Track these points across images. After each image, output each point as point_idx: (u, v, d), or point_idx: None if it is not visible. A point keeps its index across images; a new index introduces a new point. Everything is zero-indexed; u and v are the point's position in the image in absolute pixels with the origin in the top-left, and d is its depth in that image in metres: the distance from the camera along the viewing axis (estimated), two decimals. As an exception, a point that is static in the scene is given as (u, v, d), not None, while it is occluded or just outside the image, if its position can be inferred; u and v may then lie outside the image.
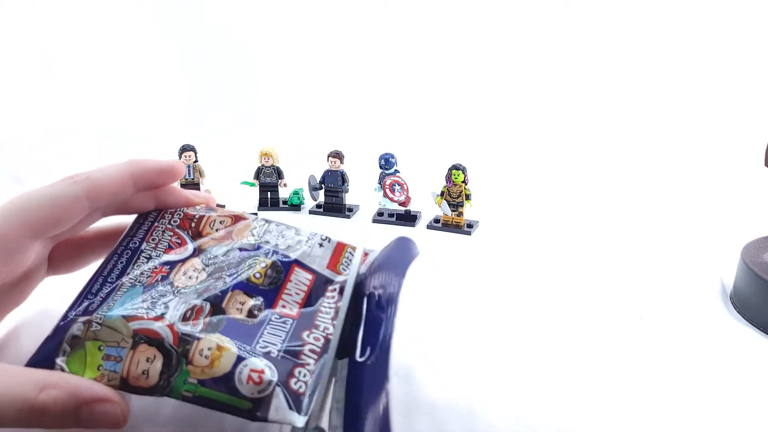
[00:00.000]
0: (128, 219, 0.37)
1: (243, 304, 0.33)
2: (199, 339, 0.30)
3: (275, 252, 0.35)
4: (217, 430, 0.31)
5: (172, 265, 0.35)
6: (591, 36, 1.01)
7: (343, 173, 0.70)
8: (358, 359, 0.30)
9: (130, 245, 0.36)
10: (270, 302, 0.33)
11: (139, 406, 0.32)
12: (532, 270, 0.56)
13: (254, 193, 0.72)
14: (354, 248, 0.36)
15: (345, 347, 0.31)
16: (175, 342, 0.30)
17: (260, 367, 0.29)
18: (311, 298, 0.34)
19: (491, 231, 0.66)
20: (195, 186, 0.71)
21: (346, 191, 0.70)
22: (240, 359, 0.29)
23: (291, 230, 0.37)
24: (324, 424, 0.30)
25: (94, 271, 0.34)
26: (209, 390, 0.29)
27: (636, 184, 0.81)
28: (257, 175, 0.72)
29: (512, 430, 0.33)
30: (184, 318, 0.31)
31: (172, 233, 0.36)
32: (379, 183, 0.69)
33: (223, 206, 0.53)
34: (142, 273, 0.34)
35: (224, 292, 0.33)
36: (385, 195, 0.69)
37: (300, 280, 0.34)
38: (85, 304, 0.33)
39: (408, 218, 0.69)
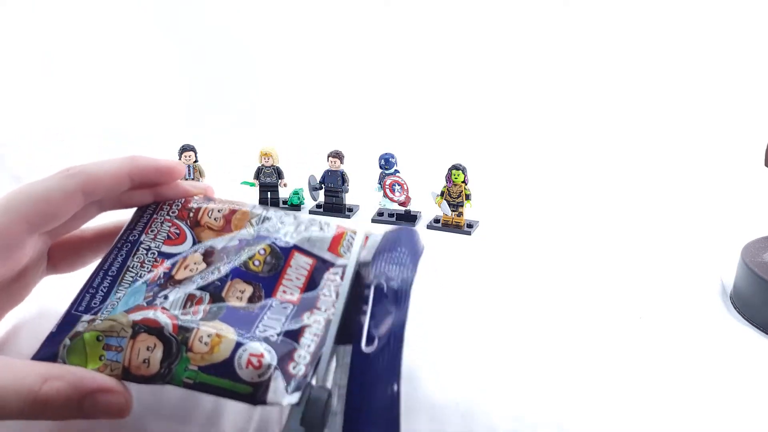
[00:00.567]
0: (127, 216, 0.37)
1: (243, 292, 0.33)
2: (198, 327, 0.30)
3: (275, 239, 0.35)
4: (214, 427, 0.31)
5: (174, 261, 0.35)
6: (591, 36, 1.01)
7: (343, 173, 0.70)
8: (365, 349, 0.29)
9: (129, 238, 0.36)
10: (270, 289, 0.33)
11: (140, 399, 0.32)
12: (533, 270, 0.56)
13: (254, 193, 0.72)
14: (354, 232, 0.36)
15: (347, 333, 0.30)
16: (174, 330, 0.30)
17: (259, 351, 0.29)
18: (312, 281, 0.34)
19: (491, 231, 0.66)
20: (195, 186, 0.71)
21: (346, 191, 0.70)
22: (239, 344, 0.29)
23: (290, 216, 0.37)
24: (329, 384, 0.29)
25: (95, 266, 0.34)
26: (210, 376, 0.29)
27: (636, 185, 0.81)
28: (257, 175, 0.72)
29: (512, 429, 0.33)
30: (184, 308, 0.31)
31: (170, 224, 0.36)
32: (379, 183, 0.69)
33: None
34: (142, 265, 0.34)
35: (223, 282, 0.33)
36: (385, 195, 0.69)
37: (300, 264, 0.34)
38: (87, 298, 0.33)
39: (408, 218, 0.69)
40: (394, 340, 0.30)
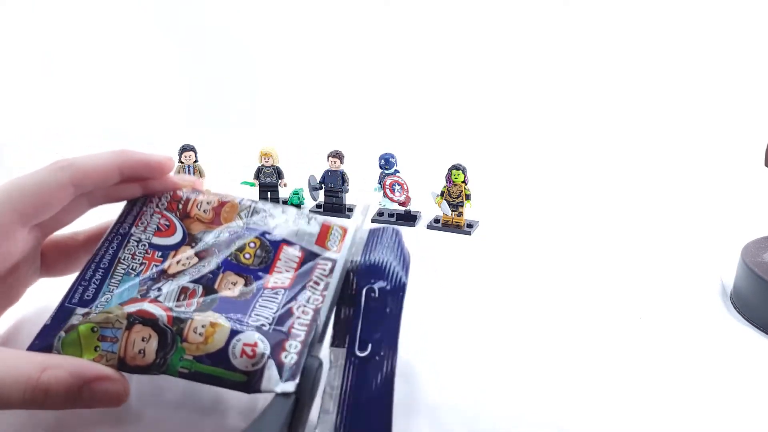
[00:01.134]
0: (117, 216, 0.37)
1: (234, 284, 0.34)
2: (192, 318, 0.31)
3: (264, 232, 0.36)
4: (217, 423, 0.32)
5: (165, 254, 0.35)
6: (591, 36, 1.01)
7: (343, 173, 0.70)
8: (358, 353, 0.30)
9: (120, 231, 0.36)
10: (261, 280, 0.34)
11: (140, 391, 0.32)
12: (532, 270, 0.56)
13: (254, 193, 0.72)
14: (341, 227, 0.37)
15: (341, 336, 0.31)
16: (169, 322, 0.31)
17: (253, 340, 0.30)
18: (301, 273, 0.35)
19: (491, 231, 0.66)
20: (195, 186, 0.71)
21: (346, 191, 0.70)
22: (233, 334, 0.30)
23: (278, 209, 0.38)
24: (322, 355, 0.30)
25: (87, 259, 0.35)
26: (205, 366, 0.29)
27: (636, 185, 0.81)
28: (257, 175, 0.72)
29: (512, 430, 0.33)
30: (177, 300, 0.32)
31: (160, 216, 0.37)
32: (379, 183, 0.69)
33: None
34: (133, 257, 0.35)
35: (215, 274, 0.34)
36: (385, 195, 0.69)
37: (289, 257, 0.35)
38: (80, 291, 0.33)
39: (408, 218, 0.69)
40: (388, 344, 0.30)
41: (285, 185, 0.72)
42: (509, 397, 0.35)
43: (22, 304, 0.36)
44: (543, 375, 0.38)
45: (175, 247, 0.36)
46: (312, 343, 0.30)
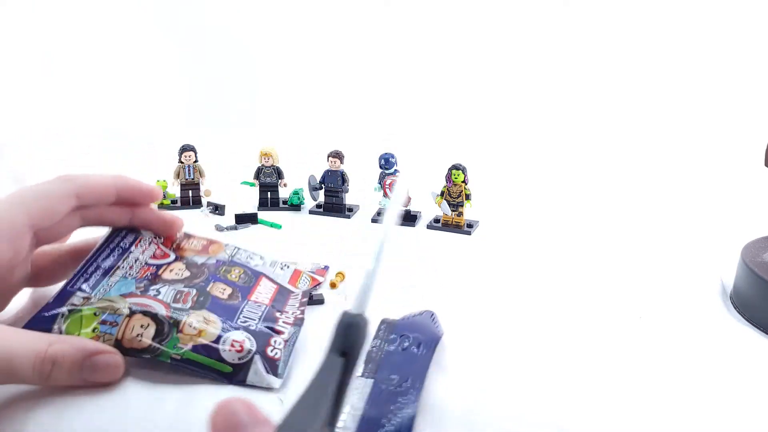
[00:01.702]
0: (98, 235, 0.42)
1: (224, 290, 0.39)
2: (189, 313, 0.35)
3: (247, 265, 0.43)
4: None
5: (158, 267, 0.41)
6: (591, 36, 1.01)
7: (343, 173, 0.70)
8: (382, 386, 0.33)
9: (121, 245, 0.41)
10: (245, 294, 0.40)
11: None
12: (532, 270, 0.56)
13: (254, 193, 0.72)
14: (309, 275, 0.47)
15: (369, 369, 0.35)
16: (167, 316, 0.35)
17: (242, 337, 0.34)
18: (276, 300, 0.41)
19: (491, 231, 0.66)
20: (195, 186, 0.71)
21: (346, 191, 0.70)
22: (224, 331, 0.34)
23: (257, 256, 0.45)
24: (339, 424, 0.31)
25: (89, 256, 0.39)
26: (196, 354, 0.33)
27: (636, 185, 0.81)
28: (257, 175, 0.72)
29: (512, 429, 0.33)
30: (175, 300, 0.37)
31: (156, 246, 0.42)
32: (379, 183, 0.69)
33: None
34: (131, 268, 0.40)
35: (207, 283, 0.39)
36: (385, 195, 0.69)
37: (267, 287, 0.42)
38: (82, 280, 0.37)
39: (408, 218, 0.69)
40: (414, 381, 0.33)
41: (285, 185, 0.72)
42: (509, 397, 0.35)
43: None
44: (543, 375, 0.38)
45: (169, 263, 0.41)
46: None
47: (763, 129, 0.84)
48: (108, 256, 0.40)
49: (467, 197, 0.65)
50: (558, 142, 0.94)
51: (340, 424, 0.31)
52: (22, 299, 0.41)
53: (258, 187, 0.72)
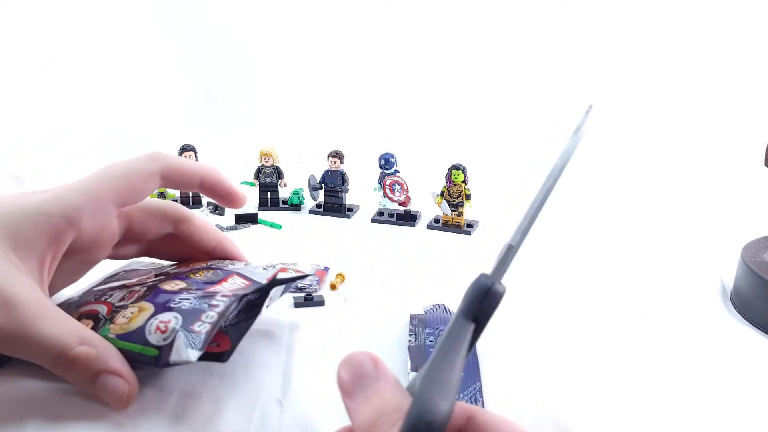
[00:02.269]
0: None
1: (176, 285, 0.37)
2: (126, 307, 0.34)
3: (219, 266, 0.40)
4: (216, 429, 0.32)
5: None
6: (591, 37, 1.01)
7: (343, 173, 0.70)
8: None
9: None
10: (201, 288, 0.36)
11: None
12: (532, 270, 0.56)
13: (254, 193, 0.72)
14: (296, 270, 0.41)
15: (420, 364, 0.35)
16: (107, 313, 0.34)
17: (168, 318, 0.32)
18: (239, 291, 0.37)
19: (491, 231, 0.66)
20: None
21: (346, 191, 0.70)
22: (153, 315, 0.33)
23: (242, 263, 0.42)
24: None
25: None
26: (124, 342, 0.32)
27: (636, 185, 0.81)
28: (257, 175, 0.72)
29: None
30: (121, 299, 0.36)
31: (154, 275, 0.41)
32: (379, 183, 0.69)
33: None
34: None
35: (162, 280, 0.38)
36: (385, 195, 0.69)
37: (236, 283, 0.38)
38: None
39: (408, 218, 0.69)
40: (470, 375, 0.35)
41: (285, 185, 0.72)
42: (509, 396, 0.35)
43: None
44: (544, 373, 0.38)
45: (140, 275, 0.40)
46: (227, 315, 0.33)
47: (763, 129, 0.84)
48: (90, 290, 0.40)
49: (467, 197, 0.65)
50: (558, 143, 0.94)
51: None
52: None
53: (258, 187, 0.72)
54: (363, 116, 1.02)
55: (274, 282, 0.38)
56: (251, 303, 0.37)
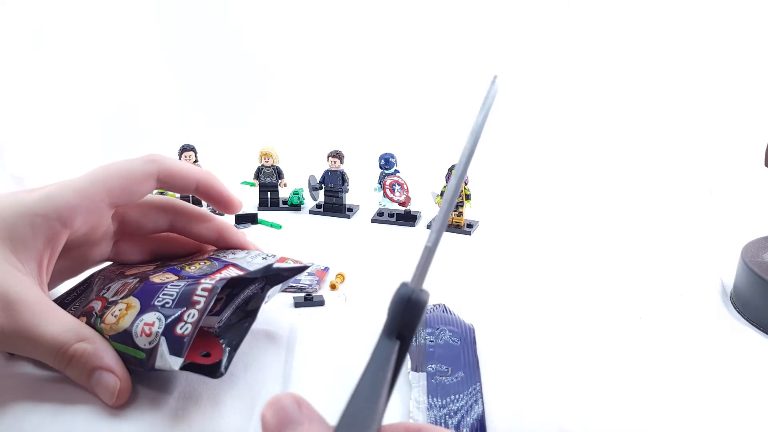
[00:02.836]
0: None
1: (167, 277, 0.36)
2: (116, 303, 0.34)
3: (217, 257, 0.40)
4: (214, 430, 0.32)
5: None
6: (591, 36, 1.00)
7: (343, 173, 0.70)
8: (438, 376, 0.35)
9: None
10: (193, 279, 0.36)
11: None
12: (532, 270, 0.56)
13: (254, 193, 0.72)
14: (294, 261, 0.40)
15: (419, 364, 0.36)
16: (101, 309, 0.34)
17: (152, 320, 0.32)
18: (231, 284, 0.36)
19: (491, 231, 0.66)
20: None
21: (346, 191, 0.70)
22: (138, 315, 0.33)
23: (243, 252, 0.41)
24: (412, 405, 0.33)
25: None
26: (116, 343, 0.32)
27: (636, 185, 0.81)
28: (257, 175, 0.72)
29: (512, 429, 0.33)
30: (115, 293, 0.36)
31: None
32: (379, 183, 0.69)
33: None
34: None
35: (155, 272, 0.37)
36: (385, 195, 0.69)
37: (230, 274, 0.37)
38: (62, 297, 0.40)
39: (408, 218, 0.69)
40: (470, 376, 0.35)
41: (285, 185, 0.72)
42: (509, 396, 0.35)
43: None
44: (543, 374, 0.38)
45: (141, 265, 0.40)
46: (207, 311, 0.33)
47: (763, 129, 0.84)
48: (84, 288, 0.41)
49: (467, 197, 0.65)
50: (558, 143, 0.94)
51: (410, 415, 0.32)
52: None
53: (258, 187, 0.72)
54: (363, 116, 1.02)
55: (269, 270, 0.37)
56: (248, 300, 0.37)
